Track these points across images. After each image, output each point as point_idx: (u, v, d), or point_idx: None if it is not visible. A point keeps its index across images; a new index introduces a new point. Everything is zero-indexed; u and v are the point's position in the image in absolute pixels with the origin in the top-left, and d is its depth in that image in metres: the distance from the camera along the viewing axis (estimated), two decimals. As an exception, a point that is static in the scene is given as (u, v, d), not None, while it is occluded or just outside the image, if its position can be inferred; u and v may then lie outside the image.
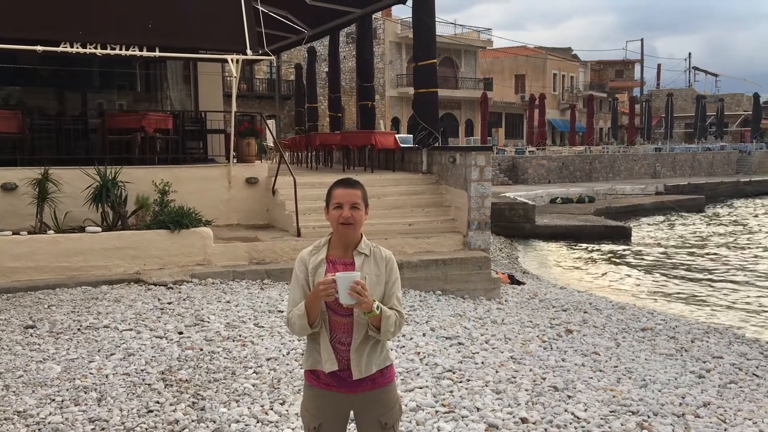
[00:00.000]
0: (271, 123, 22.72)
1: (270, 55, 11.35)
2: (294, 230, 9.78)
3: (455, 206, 10.68)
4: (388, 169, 12.85)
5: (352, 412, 2.81)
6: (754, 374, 6.98)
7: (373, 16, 16.16)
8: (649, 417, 5.05)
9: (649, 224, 24.94)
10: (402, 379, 5.49)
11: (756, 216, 28.42)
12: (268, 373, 5.47)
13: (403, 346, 6.42)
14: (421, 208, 10.87)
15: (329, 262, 2.72)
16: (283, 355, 5.92)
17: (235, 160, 10.95)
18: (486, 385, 5.48)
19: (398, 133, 24.55)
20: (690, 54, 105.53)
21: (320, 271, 2.69)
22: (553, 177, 34.61)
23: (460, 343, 6.75)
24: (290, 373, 5.49)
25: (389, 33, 43.77)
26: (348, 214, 2.65)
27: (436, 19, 12.20)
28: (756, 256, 17.98)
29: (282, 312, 7.21)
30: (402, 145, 13.56)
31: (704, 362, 7.16)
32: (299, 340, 6.27)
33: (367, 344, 2.69)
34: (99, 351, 5.90)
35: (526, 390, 5.44)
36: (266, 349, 6.05)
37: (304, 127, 21.41)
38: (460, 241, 10.24)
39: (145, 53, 9.94)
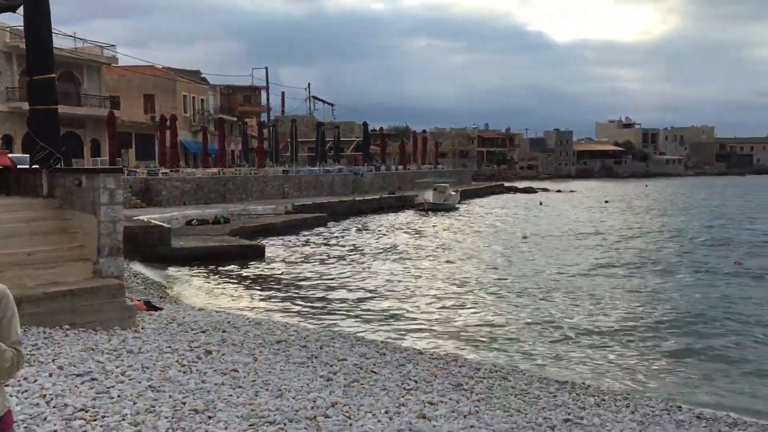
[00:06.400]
0: None
1: None
2: None
3: (83, 232, 9.95)
4: (1, 193, 11.42)
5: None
6: (372, 371, 7.91)
7: (-25, 20, 14.20)
8: (285, 424, 5.38)
9: (281, 242, 26.39)
10: (26, 427, 4.94)
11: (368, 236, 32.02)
12: None
13: (26, 390, 5.78)
14: (42, 235, 9.88)
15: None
16: None
17: None
18: (123, 419, 5.24)
19: (11, 152, 21.89)
20: (309, 84, 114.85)
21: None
22: (189, 199, 34.44)
23: (93, 379, 6.32)
24: None
25: (-4, 40, 38.83)
26: None
27: (54, 31, 11.28)
28: (371, 266, 20.34)
29: None
30: (18, 166, 12.19)
31: (331, 366, 7.88)
32: None
33: None
34: None
35: (166, 417, 5.35)
36: None
37: None
38: (91, 269, 9.58)
39: None
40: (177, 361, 7.36)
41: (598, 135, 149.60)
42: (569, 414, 6.97)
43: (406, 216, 40.48)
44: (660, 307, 14.42)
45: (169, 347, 8.14)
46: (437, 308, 14.23)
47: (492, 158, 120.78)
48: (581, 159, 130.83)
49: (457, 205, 47.73)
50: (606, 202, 55.77)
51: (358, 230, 31.94)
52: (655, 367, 10.03)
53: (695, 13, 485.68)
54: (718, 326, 12.53)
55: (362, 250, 24.45)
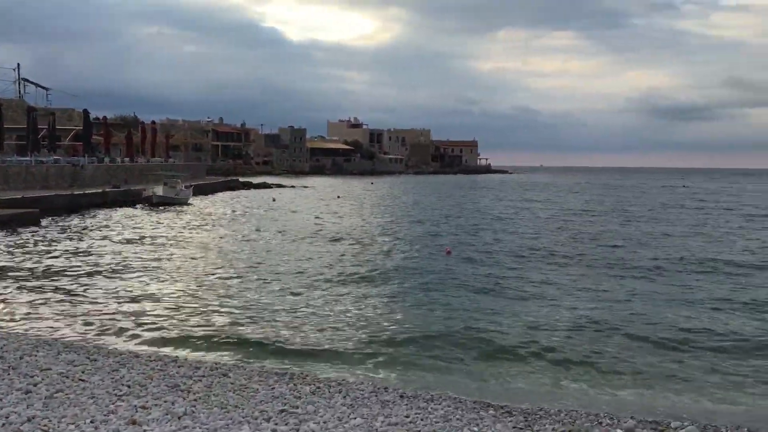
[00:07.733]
0: None
1: None
2: None
3: None
4: None
5: None
6: (80, 379, 7.40)
7: None
8: (-34, 447, 4.82)
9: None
10: None
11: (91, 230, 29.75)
12: None
13: None
14: None
15: None
16: None
17: None
18: None
19: None
20: (19, 65, 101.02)
21: None
22: None
23: None
24: None
25: None
26: None
27: None
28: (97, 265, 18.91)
29: None
30: None
31: (32, 377, 7.22)
32: None
33: None
34: None
35: None
36: None
37: None
38: None
39: None
40: None
41: (330, 133, 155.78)
42: (285, 404, 7.22)
43: (133, 211, 38.32)
44: (379, 306, 15.51)
45: None
46: (161, 308, 13.72)
47: (227, 153, 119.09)
48: (314, 156, 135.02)
49: (189, 201, 46.35)
50: (338, 197, 58.58)
51: (76, 227, 29.47)
52: (370, 360, 10.62)
53: (414, 23, 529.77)
54: (424, 317, 13.82)
55: (79, 247, 22.61)
